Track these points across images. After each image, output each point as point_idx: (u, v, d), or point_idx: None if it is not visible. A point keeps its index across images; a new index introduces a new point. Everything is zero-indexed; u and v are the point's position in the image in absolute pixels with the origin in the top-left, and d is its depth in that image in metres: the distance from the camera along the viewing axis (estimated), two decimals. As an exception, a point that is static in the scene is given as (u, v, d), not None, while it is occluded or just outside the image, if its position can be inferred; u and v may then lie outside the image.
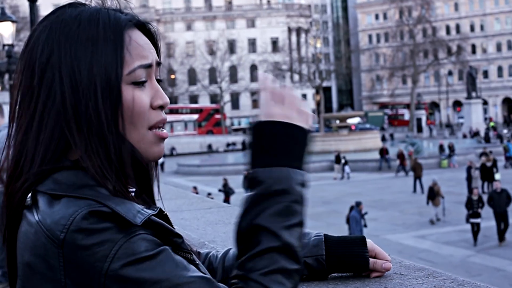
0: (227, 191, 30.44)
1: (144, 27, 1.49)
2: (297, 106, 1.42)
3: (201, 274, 1.29)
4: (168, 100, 1.45)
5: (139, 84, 1.39)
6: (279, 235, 1.31)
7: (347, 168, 41.48)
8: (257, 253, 1.31)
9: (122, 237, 1.23)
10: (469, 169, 31.62)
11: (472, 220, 22.75)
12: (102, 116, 1.33)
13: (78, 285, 1.23)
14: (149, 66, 1.41)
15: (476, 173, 30.46)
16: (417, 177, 34.83)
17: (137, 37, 1.42)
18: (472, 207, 22.98)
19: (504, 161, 44.95)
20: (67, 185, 1.31)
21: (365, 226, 22.15)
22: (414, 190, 34.54)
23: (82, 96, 1.34)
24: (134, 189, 1.43)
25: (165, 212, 1.40)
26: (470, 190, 30.52)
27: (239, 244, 1.35)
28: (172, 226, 1.37)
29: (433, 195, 26.88)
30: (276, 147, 1.36)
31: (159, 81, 1.47)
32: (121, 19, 1.41)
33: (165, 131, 1.45)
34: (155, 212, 1.33)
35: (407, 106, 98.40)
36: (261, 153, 1.37)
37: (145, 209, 1.31)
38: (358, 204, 22.00)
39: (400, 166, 41.91)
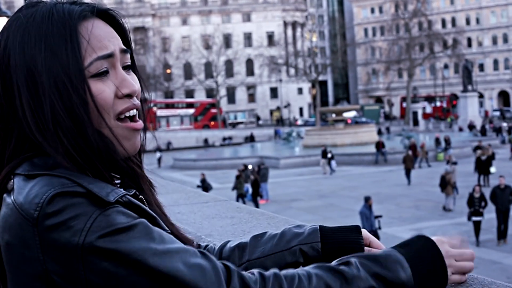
0: (205, 187, 30.37)
1: (106, 15, 1.44)
2: (455, 262, 1.56)
3: (179, 245, 1.29)
4: (136, 87, 1.42)
5: (100, 75, 1.36)
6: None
7: (333, 163, 41.07)
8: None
9: (96, 210, 1.23)
10: (447, 163, 31.53)
11: (474, 219, 21.91)
12: (73, 112, 1.31)
13: (56, 261, 1.23)
14: (109, 56, 1.38)
15: (452, 168, 30.19)
16: (408, 169, 35.11)
17: (94, 28, 1.38)
18: (473, 205, 22.16)
19: (510, 153, 45.67)
20: (42, 166, 1.31)
21: (379, 228, 21.64)
22: (409, 183, 34.80)
23: (45, 97, 1.31)
24: (119, 181, 1.43)
25: (141, 196, 1.41)
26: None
27: None
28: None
29: (445, 184, 27.07)
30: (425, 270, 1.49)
31: (129, 67, 1.45)
32: (74, 11, 1.37)
33: (139, 122, 1.43)
34: (130, 194, 1.34)
35: (454, 96, 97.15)
36: (422, 268, 1.49)
37: (119, 189, 1.32)
38: (367, 199, 21.42)
39: (414, 157, 42.57)
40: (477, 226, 21.87)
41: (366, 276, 1.43)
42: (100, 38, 1.37)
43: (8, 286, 1.33)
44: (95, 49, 1.35)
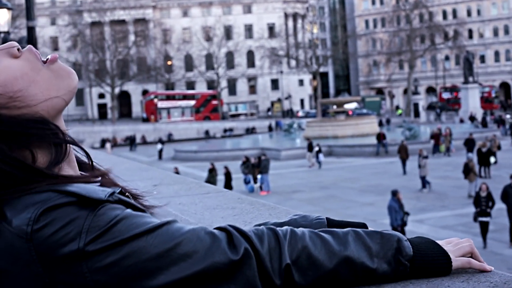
0: None
1: None
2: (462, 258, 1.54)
3: (167, 219, 1.32)
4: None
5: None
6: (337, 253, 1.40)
7: (321, 156, 40.47)
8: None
9: (90, 212, 1.23)
10: (418, 157, 31.45)
11: (480, 219, 20.78)
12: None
13: (59, 271, 1.21)
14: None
15: (423, 162, 30.14)
16: (403, 159, 35.25)
17: None
18: (480, 205, 20.80)
19: None
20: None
21: (405, 224, 21.18)
22: (404, 172, 35.05)
23: None
24: (99, 178, 1.44)
25: (127, 194, 1.42)
26: (422, 178, 30.14)
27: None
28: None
29: (468, 171, 27.57)
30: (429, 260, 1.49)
31: None
32: None
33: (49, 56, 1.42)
34: (119, 190, 1.34)
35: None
36: (424, 258, 1.48)
37: (106, 188, 1.32)
38: (395, 193, 20.95)
39: (436, 146, 42.85)
40: (484, 227, 20.62)
41: (360, 233, 1.47)
42: None
43: None
44: None
